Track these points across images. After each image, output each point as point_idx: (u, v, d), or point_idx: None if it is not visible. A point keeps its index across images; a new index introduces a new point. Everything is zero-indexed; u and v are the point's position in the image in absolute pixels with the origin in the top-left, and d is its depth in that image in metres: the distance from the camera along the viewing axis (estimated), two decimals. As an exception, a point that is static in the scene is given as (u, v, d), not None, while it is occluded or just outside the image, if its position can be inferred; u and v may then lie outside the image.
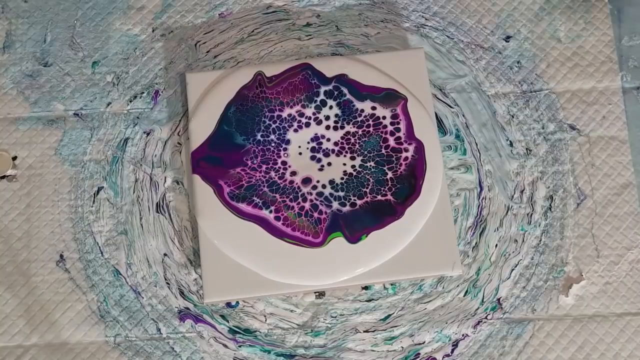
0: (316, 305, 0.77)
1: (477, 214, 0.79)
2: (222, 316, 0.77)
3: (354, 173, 0.78)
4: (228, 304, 0.77)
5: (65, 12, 0.87)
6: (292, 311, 0.77)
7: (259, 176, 0.78)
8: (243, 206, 0.77)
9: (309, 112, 0.80)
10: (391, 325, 0.76)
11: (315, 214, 0.76)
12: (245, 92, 0.80)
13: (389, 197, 0.77)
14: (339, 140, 0.79)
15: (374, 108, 0.80)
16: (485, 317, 0.77)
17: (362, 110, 0.80)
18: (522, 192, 0.80)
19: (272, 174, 0.78)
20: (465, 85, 0.84)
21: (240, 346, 0.76)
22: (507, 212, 0.80)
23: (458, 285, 0.77)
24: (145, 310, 0.77)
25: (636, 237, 0.79)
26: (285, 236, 0.76)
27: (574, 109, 0.83)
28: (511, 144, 0.82)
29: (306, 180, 0.78)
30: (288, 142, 0.79)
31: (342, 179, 0.78)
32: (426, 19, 0.86)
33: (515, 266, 0.78)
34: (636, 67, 0.84)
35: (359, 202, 0.77)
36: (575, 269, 0.78)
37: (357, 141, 0.79)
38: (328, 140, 0.79)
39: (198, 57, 0.85)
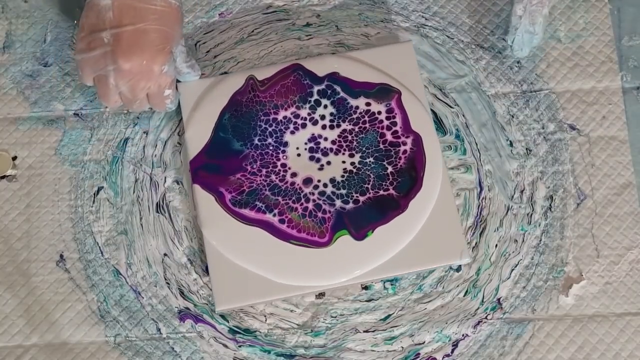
0: (316, 305, 0.77)
1: (477, 214, 0.79)
2: (222, 316, 0.77)
3: (354, 170, 0.78)
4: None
5: (65, 12, 0.87)
6: (292, 311, 0.77)
7: (260, 180, 0.78)
8: (246, 212, 0.77)
9: (304, 112, 0.80)
10: (391, 325, 0.76)
11: (320, 214, 0.76)
12: (239, 98, 0.80)
13: (391, 191, 0.77)
14: (336, 139, 0.79)
15: (368, 104, 0.80)
16: (485, 317, 0.77)
17: (357, 107, 0.80)
18: (522, 192, 0.80)
19: (273, 177, 0.78)
20: (465, 85, 0.84)
21: (240, 346, 0.76)
22: (507, 212, 0.80)
23: (458, 286, 0.77)
24: (145, 310, 0.77)
25: (636, 237, 0.79)
26: (291, 238, 0.76)
27: (574, 109, 0.83)
28: (511, 144, 0.82)
29: (307, 181, 0.78)
30: (286, 144, 0.79)
31: (342, 176, 0.78)
32: (426, 19, 0.86)
33: (515, 266, 0.78)
34: (636, 67, 0.84)
35: (361, 198, 0.77)
36: (575, 269, 0.78)
37: (355, 138, 0.79)
38: (325, 139, 0.79)
39: (198, 57, 0.85)
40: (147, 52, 0.74)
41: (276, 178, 0.78)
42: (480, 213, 0.79)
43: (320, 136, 0.79)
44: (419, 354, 0.76)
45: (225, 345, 0.76)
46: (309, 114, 0.80)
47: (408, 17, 0.86)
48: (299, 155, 0.79)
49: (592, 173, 0.81)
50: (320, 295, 0.77)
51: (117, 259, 0.79)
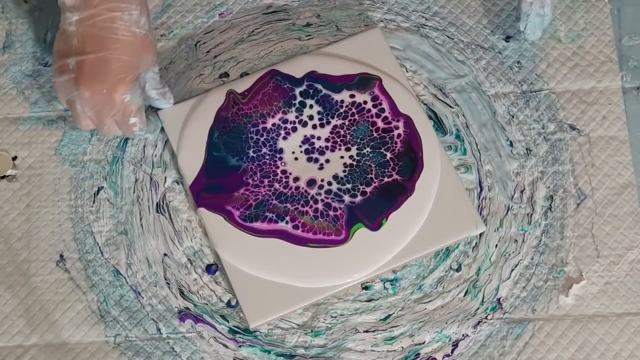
0: (316, 305, 0.77)
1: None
2: (222, 316, 0.77)
3: (354, 163, 0.78)
4: (228, 304, 0.77)
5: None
6: (292, 311, 0.77)
7: (264, 191, 0.78)
8: (258, 225, 0.77)
9: (291, 116, 0.80)
10: (391, 326, 0.76)
11: (331, 212, 0.77)
12: (224, 114, 0.80)
13: (395, 176, 0.77)
14: (329, 136, 0.79)
15: (352, 96, 0.80)
16: (486, 317, 0.76)
17: (342, 101, 0.80)
18: (522, 192, 0.80)
19: (276, 185, 0.78)
20: (466, 85, 0.84)
21: (240, 346, 0.76)
22: (507, 212, 0.80)
23: (458, 286, 0.77)
24: (145, 311, 0.77)
25: (636, 237, 0.79)
26: (308, 242, 0.76)
27: (574, 109, 0.83)
28: (511, 144, 0.82)
29: (311, 182, 0.78)
30: (281, 150, 0.79)
31: (344, 171, 0.78)
32: (426, 19, 0.86)
33: (515, 266, 0.78)
34: (636, 67, 0.84)
35: (368, 189, 0.77)
36: (575, 269, 0.78)
37: (347, 132, 0.79)
38: (319, 138, 0.79)
39: (198, 57, 0.85)
40: (107, 81, 0.74)
41: (280, 186, 0.78)
42: (481, 213, 0.79)
43: (312, 136, 0.79)
44: (419, 354, 0.76)
45: (225, 345, 0.76)
46: (296, 117, 0.80)
47: (408, 17, 0.86)
48: (296, 159, 0.79)
49: (592, 173, 0.81)
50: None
51: (117, 259, 0.79)
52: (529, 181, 0.80)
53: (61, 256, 0.79)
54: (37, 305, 0.78)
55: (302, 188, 0.78)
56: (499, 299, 0.77)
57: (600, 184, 0.80)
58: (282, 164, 0.78)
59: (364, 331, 0.76)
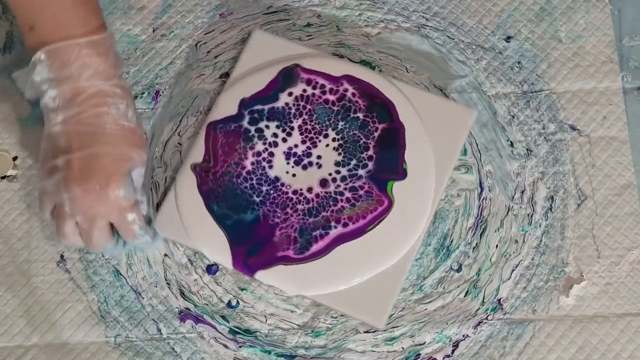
0: (317, 305, 0.77)
1: (478, 215, 0.79)
2: (223, 317, 0.77)
3: (341, 141, 0.79)
4: (229, 305, 0.77)
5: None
6: (292, 312, 0.77)
7: (295, 218, 0.77)
8: (316, 247, 0.76)
9: (259, 146, 0.79)
10: (392, 326, 0.76)
11: (360, 192, 0.77)
12: (205, 187, 0.78)
13: (379, 125, 0.79)
14: (302, 138, 0.79)
15: (290, 94, 0.80)
16: (486, 318, 0.77)
17: (286, 104, 0.80)
18: (522, 192, 0.80)
19: (300, 206, 0.77)
20: (466, 85, 0.84)
21: (240, 347, 0.76)
22: (507, 212, 0.80)
23: (458, 286, 0.77)
24: (145, 311, 0.77)
25: (637, 238, 0.79)
26: (365, 228, 0.76)
27: (575, 109, 0.83)
28: (512, 145, 0.82)
29: (323, 183, 0.78)
30: (277, 178, 0.78)
31: (340, 154, 0.78)
32: (427, 20, 0.86)
33: (516, 267, 0.78)
34: (637, 67, 0.84)
35: (370, 152, 0.78)
36: (575, 270, 0.78)
37: (312, 124, 0.79)
38: (296, 146, 0.79)
39: (199, 57, 0.85)
40: (99, 177, 0.70)
41: (303, 205, 0.77)
42: (481, 213, 0.79)
43: (290, 148, 0.79)
44: (419, 354, 0.76)
45: (226, 346, 0.76)
46: (264, 143, 0.79)
47: (409, 18, 0.86)
48: (294, 175, 0.78)
49: (593, 173, 0.81)
50: None
51: (117, 260, 0.79)
52: (530, 182, 0.80)
53: (62, 256, 0.79)
54: (37, 305, 0.78)
55: (321, 192, 0.77)
56: (499, 300, 0.77)
57: (601, 185, 0.80)
58: (288, 187, 0.78)
59: (365, 332, 0.76)
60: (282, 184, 0.78)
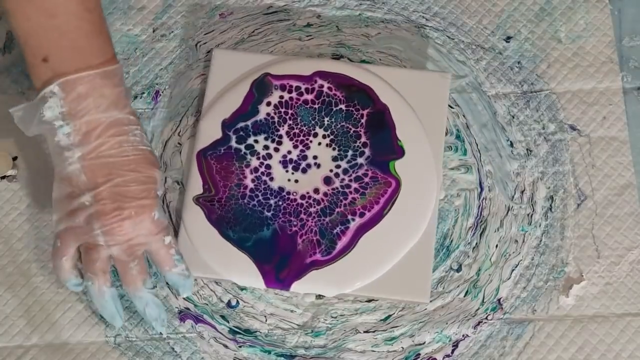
0: (316, 305, 0.77)
1: (478, 215, 0.79)
2: (223, 316, 0.77)
3: (332, 137, 0.79)
4: (229, 305, 0.77)
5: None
6: (292, 311, 0.77)
7: (312, 223, 0.76)
8: (341, 245, 0.76)
9: (254, 162, 0.78)
10: (391, 326, 0.76)
11: (366, 179, 0.77)
12: (214, 216, 0.77)
13: (363, 111, 0.79)
14: (293, 143, 0.79)
15: (268, 104, 0.80)
16: (486, 318, 0.77)
17: (267, 114, 0.79)
18: (522, 192, 0.80)
19: (312, 210, 0.77)
20: (466, 85, 0.84)
21: (240, 346, 0.76)
22: (507, 212, 0.80)
23: (458, 286, 0.77)
24: (145, 311, 0.77)
25: (636, 238, 0.79)
26: (381, 213, 0.76)
27: (575, 109, 0.83)
28: (512, 145, 0.82)
29: (327, 181, 0.77)
30: (281, 189, 0.77)
31: (334, 148, 0.78)
32: (427, 20, 0.86)
33: (516, 267, 0.78)
34: (637, 67, 0.84)
35: (363, 139, 0.78)
36: (575, 270, 0.78)
37: (298, 127, 0.79)
38: (289, 152, 0.78)
39: (199, 58, 0.85)
40: (132, 204, 0.69)
41: (315, 208, 0.77)
42: (481, 213, 0.79)
43: (284, 156, 0.78)
44: (419, 354, 0.76)
45: (226, 346, 0.76)
46: (257, 158, 0.78)
47: (409, 18, 0.86)
48: (297, 181, 0.78)
49: (593, 174, 0.81)
50: (321, 295, 0.77)
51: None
52: (530, 182, 0.81)
53: (61, 256, 0.79)
54: (37, 305, 0.78)
55: (328, 190, 0.77)
56: (499, 300, 0.77)
57: (601, 185, 0.80)
58: (294, 193, 0.77)
59: (364, 331, 0.76)
60: (288, 192, 0.77)
